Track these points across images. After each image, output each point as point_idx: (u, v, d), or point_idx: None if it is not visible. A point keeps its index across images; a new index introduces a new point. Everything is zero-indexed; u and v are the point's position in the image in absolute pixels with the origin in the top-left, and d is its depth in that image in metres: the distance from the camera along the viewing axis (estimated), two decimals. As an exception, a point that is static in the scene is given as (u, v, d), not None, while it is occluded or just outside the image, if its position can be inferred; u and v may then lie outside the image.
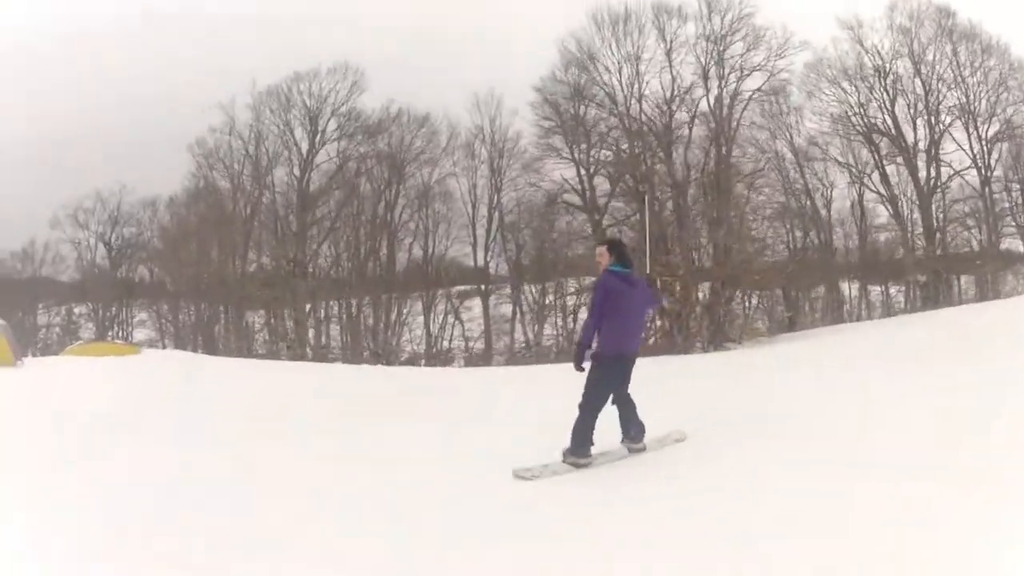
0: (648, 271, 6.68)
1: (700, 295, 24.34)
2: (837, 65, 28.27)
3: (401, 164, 31.87)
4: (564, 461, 5.13)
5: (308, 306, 32.00)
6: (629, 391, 5.40)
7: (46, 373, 16.40)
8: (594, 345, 5.16)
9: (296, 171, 33.07)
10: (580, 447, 5.14)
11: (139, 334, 42.23)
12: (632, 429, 5.40)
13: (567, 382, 5.60)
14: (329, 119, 32.27)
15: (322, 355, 29.43)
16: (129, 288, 43.10)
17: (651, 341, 21.65)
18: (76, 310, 45.53)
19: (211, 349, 33.28)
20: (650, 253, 8.11)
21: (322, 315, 32.54)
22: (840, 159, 29.19)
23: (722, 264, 24.33)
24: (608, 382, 5.21)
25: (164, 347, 37.46)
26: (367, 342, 30.79)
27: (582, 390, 5.21)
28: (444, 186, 32.30)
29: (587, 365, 5.16)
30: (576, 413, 5.19)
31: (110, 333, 42.18)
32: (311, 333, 31.81)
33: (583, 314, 22.97)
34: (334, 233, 32.52)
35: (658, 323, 23.25)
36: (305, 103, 32.54)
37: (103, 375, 16.08)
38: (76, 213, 42.96)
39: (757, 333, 24.00)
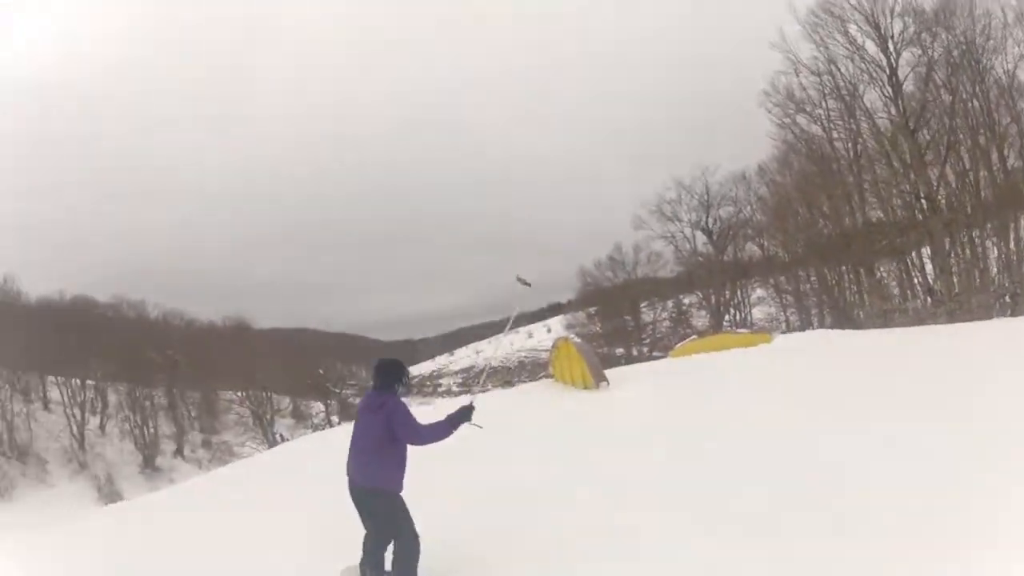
0: None
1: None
2: None
3: (978, 53, 25.72)
4: None
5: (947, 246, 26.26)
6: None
7: (638, 392, 12.95)
8: None
9: (887, 89, 27.57)
10: None
11: (757, 312, 41.52)
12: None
13: None
14: (891, 19, 26.91)
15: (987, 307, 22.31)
16: (741, 269, 41.80)
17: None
18: (685, 300, 47.04)
19: (841, 319, 28.35)
20: None
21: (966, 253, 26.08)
22: None
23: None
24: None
25: (786, 323, 35.27)
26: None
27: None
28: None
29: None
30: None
31: (727, 318, 41.36)
32: (955, 280, 25.98)
33: None
34: (953, 151, 26.57)
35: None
36: (861, 6, 27.33)
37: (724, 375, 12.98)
38: (660, 207, 43.19)
39: None
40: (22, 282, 58.74)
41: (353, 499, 4.40)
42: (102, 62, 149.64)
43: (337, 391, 52.53)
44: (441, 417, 4.46)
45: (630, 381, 14.57)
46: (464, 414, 4.51)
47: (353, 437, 4.50)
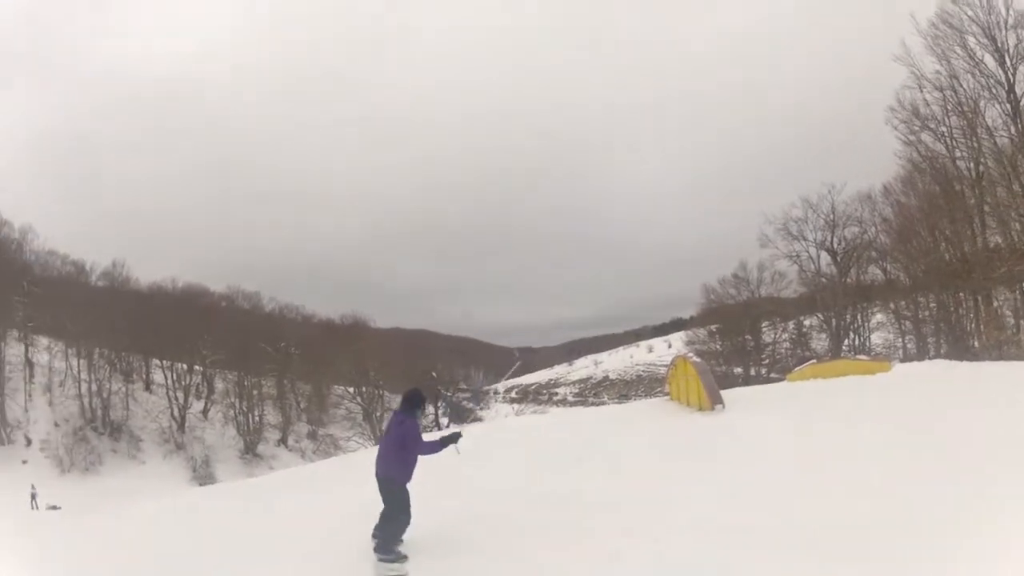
0: None
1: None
2: None
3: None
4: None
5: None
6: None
7: (753, 418, 12.47)
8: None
9: (1006, 106, 26.44)
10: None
11: (876, 338, 40.46)
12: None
13: None
14: (1005, 32, 25.78)
15: None
16: (863, 291, 40.76)
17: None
18: (806, 322, 45.96)
19: (958, 349, 26.87)
20: None
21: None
22: None
23: None
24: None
25: (903, 350, 34.49)
26: None
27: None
28: None
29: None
30: None
31: (845, 342, 40.57)
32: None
33: None
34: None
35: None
36: (977, 17, 26.13)
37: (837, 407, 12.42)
38: (787, 225, 42.26)
39: None
40: (132, 268, 61.04)
41: (378, 484, 6.27)
42: (232, 62, 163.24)
43: (448, 394, 53.87)
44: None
45: (746, 405, 14.16)
46: (452, 438, 6.52)
47: (381, 443, 6.84)
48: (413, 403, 6.46)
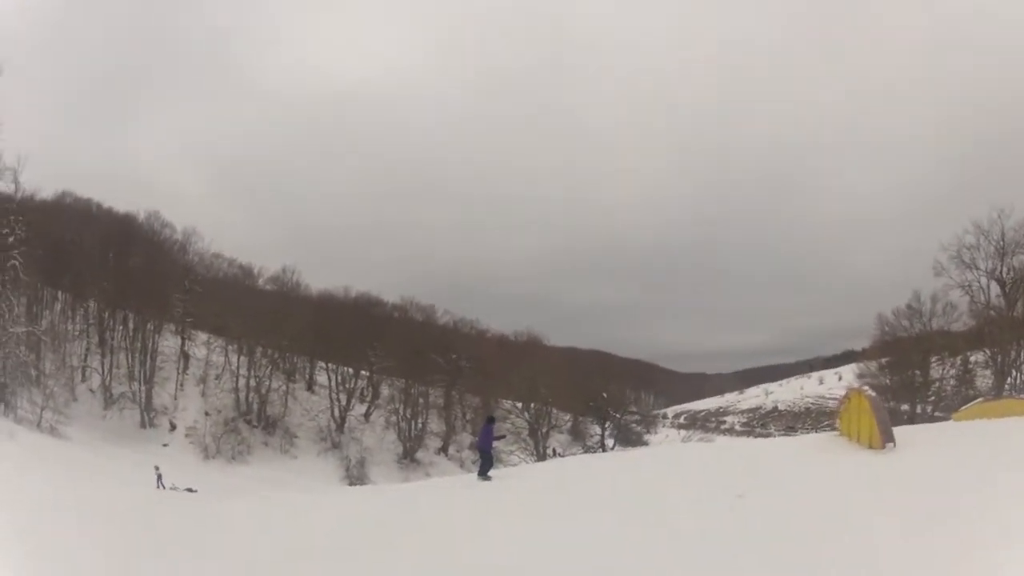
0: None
1: None
2: None
3: None
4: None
5: None
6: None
7: (925, 459, 11.69)
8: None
9: None
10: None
11: None
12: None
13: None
14: None
15: None
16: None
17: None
18: (972, 358, 43.41)
19: None
20: None
21: None
22: None
23: None
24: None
25: None
26: None
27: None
28: None
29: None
30: None
31: (1008, 381, 38.25)
32: None
33: None
34: None
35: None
36: None
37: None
38: (960, 253, 38.71)
39: None
40: (302, 275, 64.65)
41: (479, 451, 17.11)
42: (406, 76, 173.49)
43: (617, 415, 52.72)
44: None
45: (916, 444, 13.08)
46: (499, 439, 20.24)
47: (481, 435, 16.85)
48: (491, 420, 16.77)
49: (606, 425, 53.75)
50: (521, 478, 15.84)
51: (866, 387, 18.07)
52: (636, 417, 60.11)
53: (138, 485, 24.17)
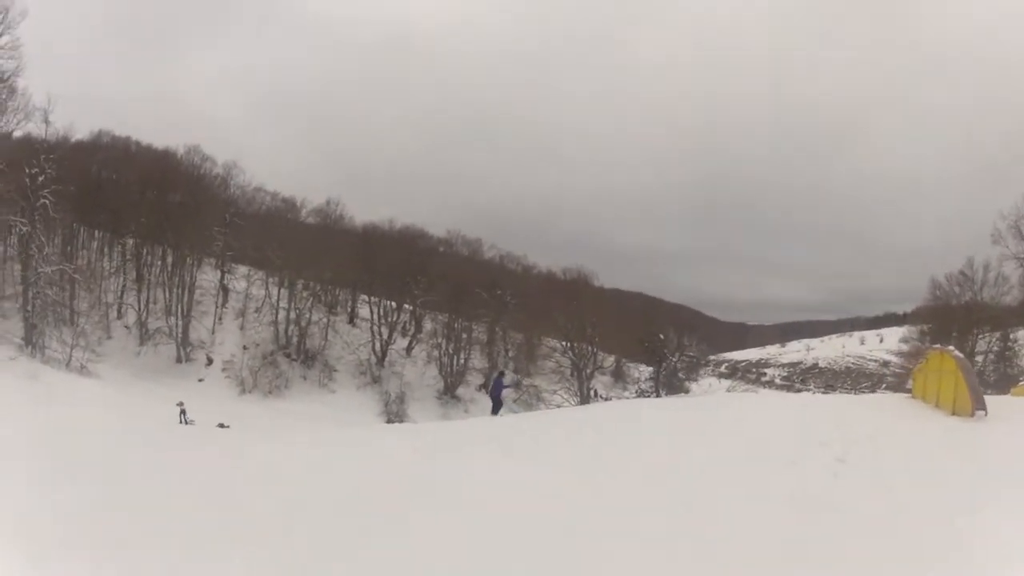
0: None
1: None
2: None
3: None
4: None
5: None
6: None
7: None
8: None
9: None
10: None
11: None
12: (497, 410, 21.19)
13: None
14: None
15: None
16: None
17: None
18: (1011, 336, 42.98)
19: None
20: None
21: None
22: None
23: None
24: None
25: None
26: None
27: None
28: None
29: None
30: None
31: None
32: None
33: None
34: None
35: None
36: None
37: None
38: (1018, 223, 38.14)
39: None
40: (347, 208, 61.86)
41: (491, 397, 23.14)
42: (457, 7, 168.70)
43: (673, 359, 51.09)
44: None
45: (1007, 415, 11.53)
46: (512, 385, 29.93)
47: (492, 384, 24.82)
48: (501, 374, 28.07)
49: (662, 368, 51.61)
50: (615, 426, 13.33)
51: (952, 348, 16.14)
52: (692, 360, 57.80)
53: (154, 420, 22.64)
